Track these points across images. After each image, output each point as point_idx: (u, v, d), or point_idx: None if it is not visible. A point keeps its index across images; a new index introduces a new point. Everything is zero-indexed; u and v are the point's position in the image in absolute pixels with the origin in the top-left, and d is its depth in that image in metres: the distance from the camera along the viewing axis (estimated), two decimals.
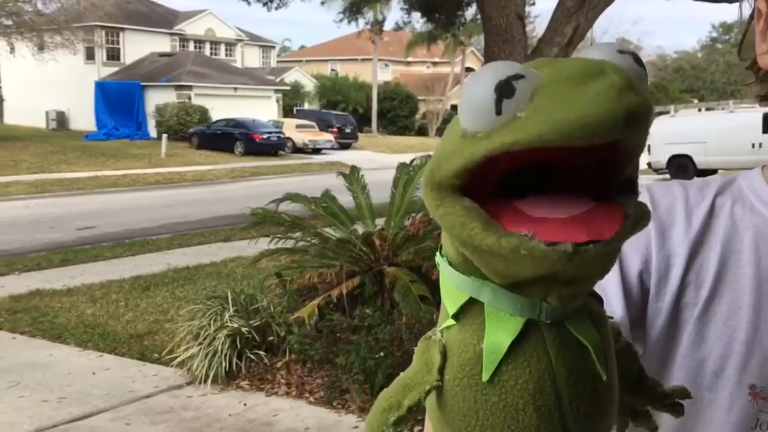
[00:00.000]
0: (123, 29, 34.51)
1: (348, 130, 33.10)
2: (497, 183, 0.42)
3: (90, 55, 33.59)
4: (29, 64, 29.04)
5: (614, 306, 0.79)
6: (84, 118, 32.11)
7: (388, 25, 35.16)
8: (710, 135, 18.36)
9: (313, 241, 5.80)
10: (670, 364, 0.79)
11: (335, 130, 32.22)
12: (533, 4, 15.24)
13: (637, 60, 0.42)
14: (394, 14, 47.66)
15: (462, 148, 0.40)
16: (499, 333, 0.45)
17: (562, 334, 0.45)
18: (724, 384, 0.76)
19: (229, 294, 5.50)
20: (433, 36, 35.56)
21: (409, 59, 47.71)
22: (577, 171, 0.42)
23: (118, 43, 34.96)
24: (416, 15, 13.47)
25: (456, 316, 0.47)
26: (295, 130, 29.72)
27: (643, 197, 0.81)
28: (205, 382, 5.00)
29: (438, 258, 0.49)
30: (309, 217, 6.27)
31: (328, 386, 4.84)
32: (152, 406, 4.81)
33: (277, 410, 4.69)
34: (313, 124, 31.36)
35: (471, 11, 12.67)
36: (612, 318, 0.55)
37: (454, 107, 43.70)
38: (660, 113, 22.54)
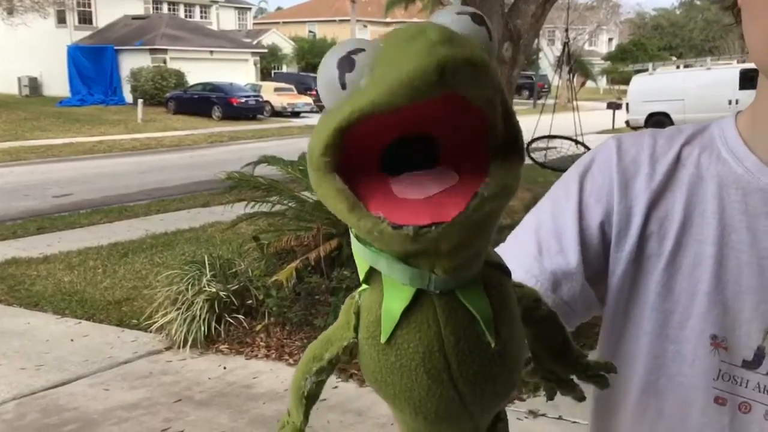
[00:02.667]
0: None
1: None
2: (379, 160, 0.44)
3: (61, 19, 32.84)
4: None
5: (569, 256, 0.80)
6: (57, 83, 31.49)
7: None
8: (687, 92, 18.40)
9: (290, 204, 5.77)
10: (635, 316, 0.79)
11: (314, 93, 31.88)
12: None
13: (476, 19, 0.43)
14: None
15: (323, 126, 0.43)
16: (394, 300, 0.49)
17: (451, 303, 0.48)
18: (688, 336, 0.76)
19: (206, 259, 5.48)
20: None
21: (388, 19, 47.19)
22: (459, 141, 0.44)
23: (89, 6, 34.20)
24: None
25: (366, 281, 0.51)
26: (273, 94, 29.40)
27: (611, 146, 0.84)
28: (184, 346, 5.01)
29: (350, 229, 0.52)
30: (287, 180, 6.22)
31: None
32: (131, 372, 4.82)
33: (257, 373, 4.72)
34: (292, 87, 31.03)
35: None
36: (522, 286, 0.58)
37: None
38: (638, 71, 22.55)
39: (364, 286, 0.52)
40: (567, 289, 0.80)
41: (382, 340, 0.49)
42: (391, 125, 0.42)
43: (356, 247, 0.50)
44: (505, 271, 0.53)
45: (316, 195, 0.46)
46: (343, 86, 0.41)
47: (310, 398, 0.56)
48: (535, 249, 0.83)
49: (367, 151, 0.44)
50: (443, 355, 0.48)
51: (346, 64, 0.41)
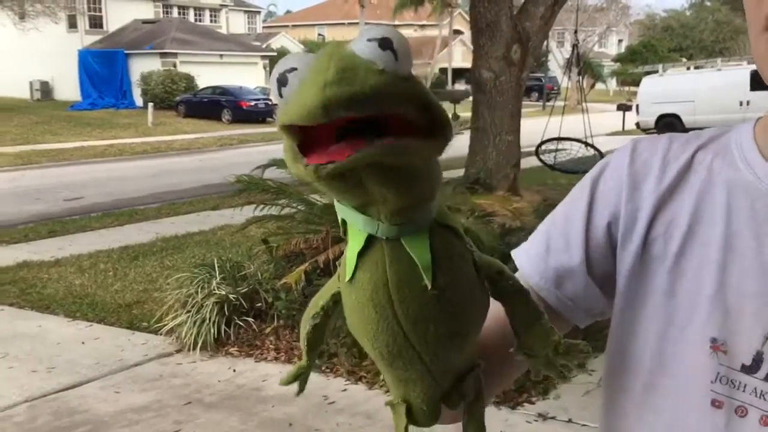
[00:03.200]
0: None
1: None
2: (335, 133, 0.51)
3: (72, 24, 33.06)
4: (11, 33, 28.52)
5: (573, 253, 0.83)
6: (68, 87, 31.70)
7: None
8: (698, 94, 18.31)
9: (299, 207, 5.79)
10: (641, 316, 0.80)
11: None
12: None
13: (383, 44, 0.50)
14: None
15: (279, 122, 0.52)
16: (354, 245, 0.58)
17: (396, 249, 0.57)
18: (689, 338, 0.76)
19: (215, 262, 5.50)
20: None
21: (397, 22, 47.23)
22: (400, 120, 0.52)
23: (100, 10, 34.41)
24: None
25: (344, 233, 0.60)
26: None
27: (626, 150, 0.85)
28: (194, 349, 5.02)
29: None
30: (295, 183, 6.23)
31: None
32: (142, 374, 4.84)
33: (266, 375, 4.73)
34: None
35: None
36: (473, 250, 0.64)
37: (442, 70, 43.45)
38: (648, 73, 22.45)
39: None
40: (570, 287, 0.83)
41: (345, 279, 0.59)
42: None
43: (335, 205, 0.58)
44: (456, 232, 0.61)
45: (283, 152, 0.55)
46: (280, 96, 0.51)
47: (311, 341, 0.68)
48: (544, 248, 0.86)
49: (325, 128, 0.51)
50: (387, 292, 0.57)
51: (282, 80, 0.51)
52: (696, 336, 0.76)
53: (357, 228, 0.57)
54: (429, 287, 0.57)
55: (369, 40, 0.51)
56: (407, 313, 0.57)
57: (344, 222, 0.59)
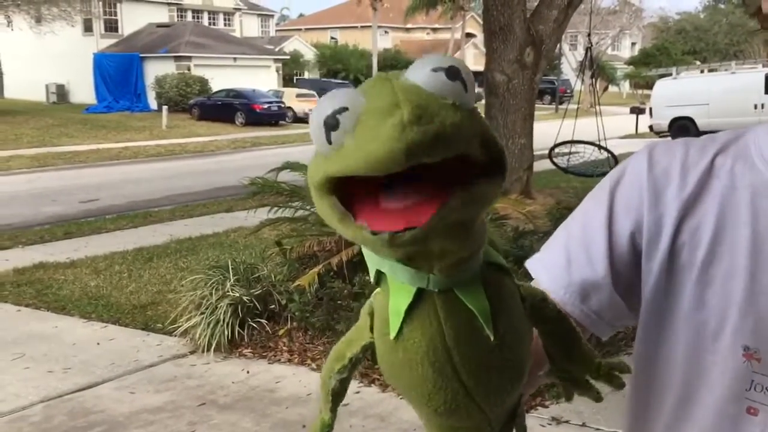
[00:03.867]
0: (120, 0, 34.18)
1: None
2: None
3: (88, 27, 33.32)
4: (27, 37, 28.83)
5: (597, 267, 0.80)
6: (84, 90, 31.95)
7: None
8: (712, 97, 18.20)
9: (312, 209, 5.81)
10: (670, 326, 0.79)
11: None
12: None
13: (451, 74, 0.46)
14: None
15: (316, 166, 0.48)
16: (399, 299, 0.53)
17: (450, 300, 0.52)
18: (721, 347, 0.76)
19: (229, 263, 5.53)
20: (432, 1, 35.14)
21: (409, 26, 47.25)
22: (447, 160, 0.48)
23: (115, 14, 34.67)
24: None
25: (377, 283, 0.56)
26: (295, 100, 29.55)
27: (642, 156, 0.83)
28: (208, 350, 5.05)
29: None
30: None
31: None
32: (156, 375, 4.88)
33: (280, 377, 4.75)
34: (314, 93, 31.12)
35: None
36: (528, 285, 0.62)
37: None
38: (662, 76, 22.34)
39: (378, 289, 0.56)
40: (596, 300, 0.81)
41: (391, 337, 0.54)
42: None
43: (365, 251, 0.55)
44: (504, 270, 0.57)
45: (318, 211, 0.51)
46: (329, 141, 0.46)
47: (335, 395, 0.63)
48: (564, 260, 0.83)
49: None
50: (446, 349, 0.53)
51: (332, 122, 0.45)
52: (728, 345, 0.75)
53: (401, 281, 0.53)
54: (492, 338, 0.53)
55: (434, 70, 0.46)
56: (469, 369, 0.54)
57: (379, 272, 0.55)
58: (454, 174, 0.48)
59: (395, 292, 0.54)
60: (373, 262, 0.55)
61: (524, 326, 0.58)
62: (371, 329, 0.58)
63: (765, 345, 0.74)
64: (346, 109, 0.45)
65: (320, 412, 0.65)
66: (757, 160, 0.77)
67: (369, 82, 0.47)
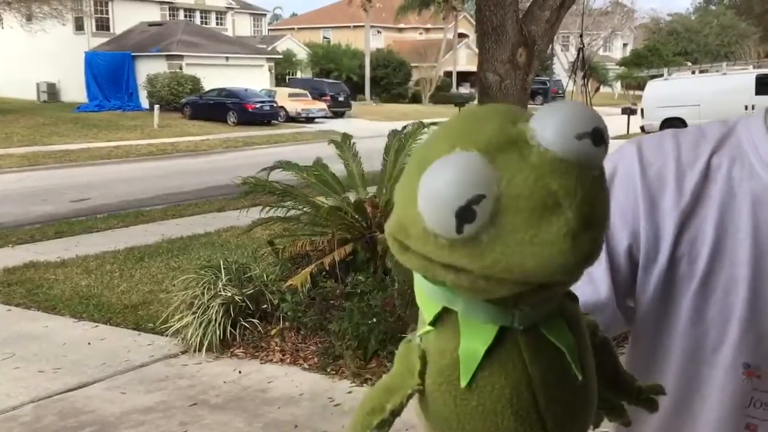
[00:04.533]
0: None
1: (341, 99, 32.89)
2: None
3: (79, 26, 33.17)
4: (18, 35, 28.65)
5: (600, 286, 0.77)
6: (75, 89, 31.80)
7: None
8: (703, 98, 18.28)
9: (305, 209, 5.80)
10: (667, 339, 0.77)
11: (328, 98, 31.99)
12: None
13: (597, 139, 0.41)
14: None
15: (425, 241, 0.41)
16: (474, 341, 0.46)
17: (536, 339, 0.47)
18: (720, 361, 0.74)
19: (221, 263, 5.52)
20: (425, 2, 35.16)
21: (402, 26, 47.25)
22: None
23: (107, 12, 34.52)
24: None
25: (433, 323, 0.49)
26: (287, 99, 29.50)
27: (632, 155, 0.79)
28: (200, 350, 5.04)
29: None
30: (301, 185, 6.25)
31: (322, 353, 4.88)
32: (147, 375, 4.86)
33: (272, 377, 4.74)
34: (306, 92, 31.13)
35: None
36: (587, 314, 0.56)
37: (447, 74, 43.43)
38: (653, 76, 22.44)
39: (427, 328, 0.49)
40: (600, 320, 0.77)
41: (463, 383, 0.47)
42: None
43: (425, 287, 0.48)
44: (574, 298, 0.51)
45: (398, 258, 0.45)
46: (460, 232, 0.39)
47: None
48: None
49: None
50: (531, 393, 0.47)
51: (468, 215, 0.39)
52: (728, 360, 0.73)
53: (477, 319, 0.46)
54: (579, 377, 0.48)
55: (579, 137, 0.40)
56: (554, 413, 0.47)
57: (439, 312, 0.48)
58: None
59: (469, 332, 0.47)
60: (441, 299, 0.47)
61: (593, 360, 0.52)
62: (421, 375, 0.49)
63: (766, 362, 0.72)
64: (483, 196, 0.38)
65: None
66: (755, 163, 0.74)
67: (490, 142, 0.39)
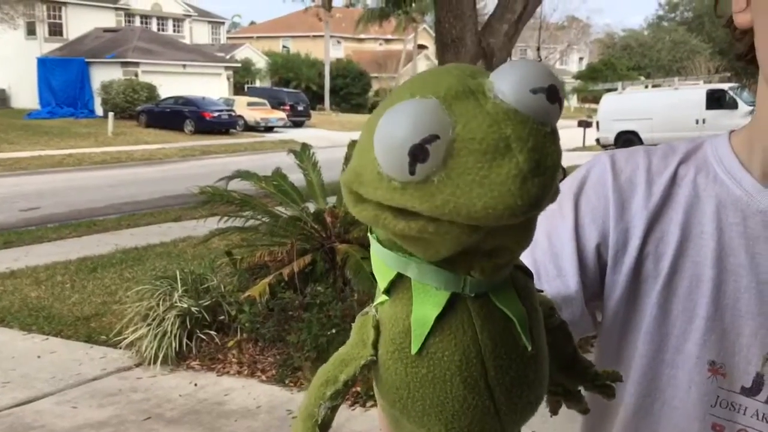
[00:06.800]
0: (65, 3, 33.44)
1: (300, 108, 32.78)
2: None
3: (31, 31, 32.49)
4: None
5: (569, 280, 0.78)
6: (26, 95, 31.10)
7: (339, 2, 34.82)
8: (655, 111, 18.73)
9: (263, 219, 5.74)
10: (630, 339, 0.78)
11: (287, 107, 31.87)
12: None
13: (552, 96, 0.41)
14: None
15: (377, 186, 0.42)
16: (426, 306, 0.46)
17: (486, 307, 0.47)
18: (685, 361, 0.74)
19: (177, 274, 5.42)
20: (384, 13, 35.34)
21: (362, 36, 47.42)
22: None
23: (60, 18, 33.86)
24: None
25: (387, 291, 0.49)
26: (246, 108, 29.30)
27: (605, 163, 0.81)
28: (155, 363, 4.93)
29: (369, 235, 0.50)
30: (260, 195, 6.19)
31: (280, 364, 4.82)
32: (100, 389, 4.73)
33: (229, 390, 4.66)
34: (265, 101, 30.95)
35: None
36: (542, 291, 0.56)
37: None
38: (608, 90, 22.91)
39: (382, 298, 0.49)
40: (567, 314, 0.78)
41: (413, 350, 0.46)
42: None
43: (380, 252, 0.48)
44: (529, 273, 0.52)
45: (351, 210, 0.45)
46: (412, 173, 0.40)
47: (323, 427, 0.51)
48: (533, 271, 0.80)
49: None
50: (480, 361, 0.46)
51: (421, 154, 0.39)
52: (692, 359, 0.74)
53: (430, 285, 0.46)
54: (529, 348, 0.48)
55: (534, 91, 0.41)
56: (503, 383, 0.47)
57: (392, 281, 0.48)
58: None
59: (421, 298, 0.47)
60: (395, 264, 0.47)
61: (544, 335, 0.52)
62: (374, 345, 0.49)
63: (730, 359, 0.73)
64: (436, 137, 0.39)
65: None
66: (720, 172, 0.77)
67: (449, 90, 0.41)
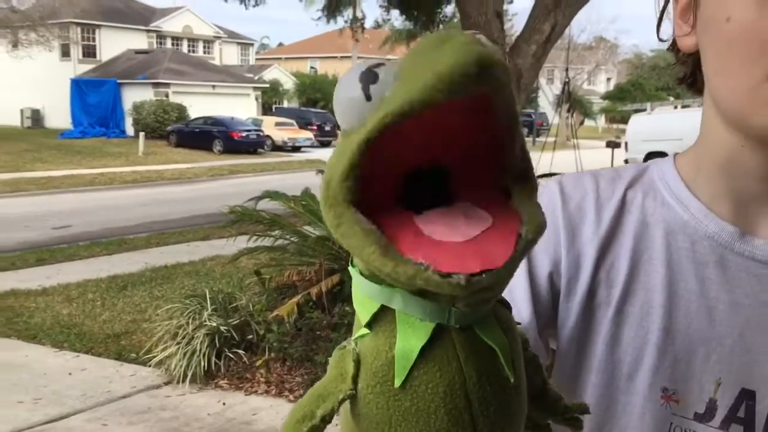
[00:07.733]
0: (99, 26, 34.13)
1: (328, 128, 33.01)
2: (396, 194, 0.43)
3: (65, 52, 33.19)
4: (4, 61, 28.68)
5: (521, 310, 0.77)
6: (60, 115, 31.71)
7: (368, 23, 35.08)
8: (685, 132, 18.33)
9: (292, 239, 5.78)
10: (584, 367, 0.77)
11: (315, 127, 32.11)
12: (511, 2, 15.33)
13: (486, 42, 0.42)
14: (374, 12, 47.61)
15: (344, 148, 0.41)
16: (411, 338, 0.46)
17: (471, 338, 0.46)
18: (638, 387, 0.74)
19: (207, 293, 5.46)
20: (411, 34, 35.54)
21: (389, 57, 47.71)
22: (470, 174, 0.44)
23: (93, 40, 34.58)
24: (395, 13, 13.40)
25: (369, 325, 0.47)
26: (274, 128, 29.58)
27: (554, 190, 0.81)
28: (184, 381, 4.96)
29: (350, 268, 0.49)
30: (288, 215, 6.23)
31: (308, 384, 4.82)
32: (129, 407, 4.77)
33: (257, 409, 4.67)
34: (293, 122, 31.23)
35: (450, 9, 12.70)
36: (519, 324, 0.55)
37: None
38: (637, 111, 22.74)
39: (362, 331, 0.48)
40: None
41: (397, 383, 0.46)
42: (408, 154, 0.43)
43: (363, 285, 0.47)
44: (507, 306, 0.52)
45: (335, 236, 0.43)
46: (368, 98, 0.40)
47: None
48: None
49: (382, 184, 0.43)
50: (465, 393, 0.46)
51: (370, 76, 0.40)
52: (645, 386, 0.73)
53: (415, 316, 0.46)
54: (512, 379, 0.48)
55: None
56: (487, 414, 0.47)
57: (375, 313, 0.47)
58: (479, 194, 0.43)
59: (405, 330, 0.45)
60: (378, 297, 0.46)
61: (524, 368, 0.52)
62: (354, 380, 0.47)
63: (683, 386, 0.72)
64: (382, 64, 0.41)
65: None
66: (667, 196, 0.77)
67: (405, 56, 0.41)
